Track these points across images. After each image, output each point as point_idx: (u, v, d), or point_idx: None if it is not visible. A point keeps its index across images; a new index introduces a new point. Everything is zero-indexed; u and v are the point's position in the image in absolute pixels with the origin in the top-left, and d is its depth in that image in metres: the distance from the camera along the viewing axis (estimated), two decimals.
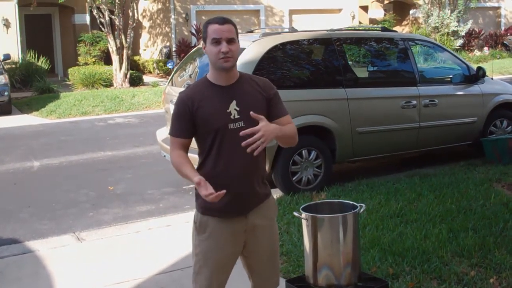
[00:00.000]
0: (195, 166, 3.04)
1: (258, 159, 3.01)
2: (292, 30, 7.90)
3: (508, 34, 27.03)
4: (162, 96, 8.81)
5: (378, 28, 8.82)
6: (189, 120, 2.96)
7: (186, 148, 3.03)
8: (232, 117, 2.94)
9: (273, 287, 3.23)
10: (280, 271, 3.64)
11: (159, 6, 22.28)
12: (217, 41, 2.90)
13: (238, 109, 2.95)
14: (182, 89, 7.07)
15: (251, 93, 3.01)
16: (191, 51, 8.10)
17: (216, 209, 2.99)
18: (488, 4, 28.18)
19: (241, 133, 2.81)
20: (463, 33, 24.65)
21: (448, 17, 23.91)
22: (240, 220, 3.03)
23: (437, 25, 24.01)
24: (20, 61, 18.64)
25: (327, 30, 7.53)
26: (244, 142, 2.79)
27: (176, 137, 3.02)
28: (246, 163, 2.96)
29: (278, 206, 3.35)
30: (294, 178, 6.70)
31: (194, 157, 3.02)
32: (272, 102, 3.06)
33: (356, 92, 7.09)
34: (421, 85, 7.57)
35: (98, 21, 18.16)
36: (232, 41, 2.91)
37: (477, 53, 25.22)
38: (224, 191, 2.79)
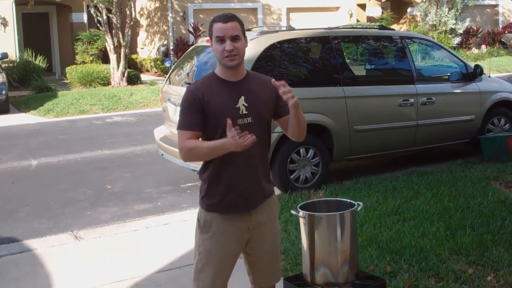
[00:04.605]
0: (197, 165, 3.05)
1: (264, 155, 3.08)
2: (290, 28, 7.90)
3: (506, 32, 27.05)
4: (159, 95, 8.81)
5: (375, 26, 8.84)
6: (200, 112, 2.94)
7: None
8: (240, 112, 2.96)
9: (274, 282, 3.26)
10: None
11: (157, 5, 22.26)
12: (221, 40, 2.91)
13: (246, 105, 2.97)
14: (181, 87, 7.12)
15: (259, 90, 3.04)
16: (188, 50, 8.10)
17: (223, 205, 3.00)
18: (486, 2, 28.19)
19: (280, 85, 2.85)
20: (460, 31, 24.67)
21: (446, 15, 23.92)
22: (244, 218, 3.04)
23: (434, 23, 24.01)
24: (18, 60, 18.61)
25: (324, 28, 7.52)
26: (286, 89, 2.84)
27: (186, 131, 2.97)
28: (253, 158, 2.99)
29: None
30: (292, 176, 6.70)
31: None
32: (281, 101, 3.09)
33: (353, 90, 7.10)
34: (418, 83, 7.58)
35: (95, 20, 18.14)
36: (236, 38, 2.91)
37: (474, 51, 25.25)
38: (253, 136, 2.80)
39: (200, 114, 2.94)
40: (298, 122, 3.01)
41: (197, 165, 3.12)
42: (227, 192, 2.99)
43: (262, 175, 3.05)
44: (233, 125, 2.92)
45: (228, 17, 2.94)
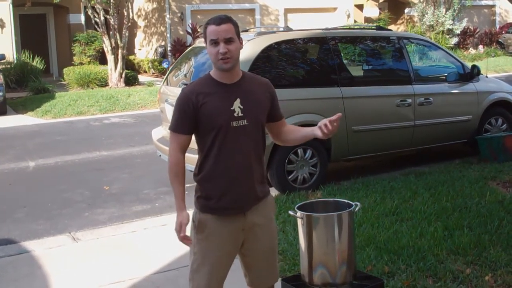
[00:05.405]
0: (194, 165, 3.06)
1: (259, 157, 3.06)
2: (287, 29, 7.90)
3: (503, 32, 27.11)
4: (157, 96, 8.80)
5: (373, 27, 8.84)
6: (192, 115, 2.94)
7: (185, 148, 3.02)
8: (235, 114, 2.95)
9: (270, 283, 3.25)
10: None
11: (154, 6, 22.25)
12: (214, 42, 2.90)
13: (242, 107, 2.96)
14: (178, 88, 7.12)
15: (255, 92, 3.03)
16: (186, 51, 8.10)
17: (217, 207, 2.99)
18: (483, 3, 28.25)
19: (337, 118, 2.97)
20: (458, 32, 24.72)
21: (443, 16, 23.96)
22: (239, 219, 3.03)
23: (432, 23, 24.05)
24: (15, 61, 18.61)
25: (322, 29, 7.53)
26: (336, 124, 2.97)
27: (177, 133, 3.00)
28: (248, 161, 2.98)
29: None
30: (289, 177, 6.70)
31: (193, 157, 3.01)
32: (274, 103, 3.12)
33: (351, 90, 7.10)
34: (416, 83, 7.59)
35: (93, 21, 18.14)
36: (230, 40, 2.89)
37: (472, 51, 25.29)
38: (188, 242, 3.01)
39: (191, 118, 2.95)
40: (302, 141, 3.29)
41: (194, 166, 3.12)
42: (221, 193, 2.99)
43: (257, 177, 3.04)
44: (227, 127, 2.92)
45: (222, 19, 2.91)
